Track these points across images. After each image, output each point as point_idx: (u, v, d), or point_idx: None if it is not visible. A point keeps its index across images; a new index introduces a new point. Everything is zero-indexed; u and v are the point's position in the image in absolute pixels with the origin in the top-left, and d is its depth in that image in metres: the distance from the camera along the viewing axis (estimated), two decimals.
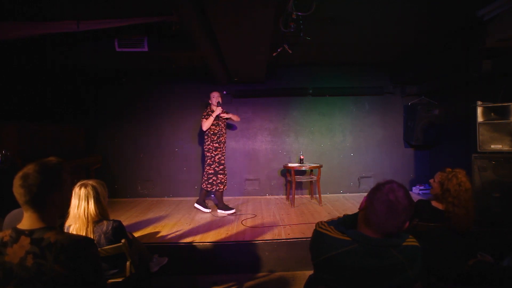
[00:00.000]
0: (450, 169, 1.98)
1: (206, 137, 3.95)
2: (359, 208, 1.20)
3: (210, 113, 3.92)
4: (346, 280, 1.08)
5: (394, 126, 5.16)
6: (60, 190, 1.12)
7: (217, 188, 3.92)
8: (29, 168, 1.06)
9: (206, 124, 3.85)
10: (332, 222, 1.25)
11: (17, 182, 1.04)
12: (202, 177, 4.02)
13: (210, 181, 3.91)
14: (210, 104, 4.05)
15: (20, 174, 1.05)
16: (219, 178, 3.92)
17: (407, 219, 1.08)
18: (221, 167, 3.93)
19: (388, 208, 1.06)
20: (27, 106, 4.09)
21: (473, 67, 3.55)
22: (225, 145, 4.10)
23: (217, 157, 3.91)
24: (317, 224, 1.25)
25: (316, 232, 1.20)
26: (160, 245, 2.87)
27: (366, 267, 1.06)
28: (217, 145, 3.92)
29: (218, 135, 3.93)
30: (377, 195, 1.11)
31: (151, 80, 5.06)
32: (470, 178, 1.95)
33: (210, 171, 3.90)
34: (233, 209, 3.97)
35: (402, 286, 1.08)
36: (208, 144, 3.92)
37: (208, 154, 3.93)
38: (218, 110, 3.88)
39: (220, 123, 3.98)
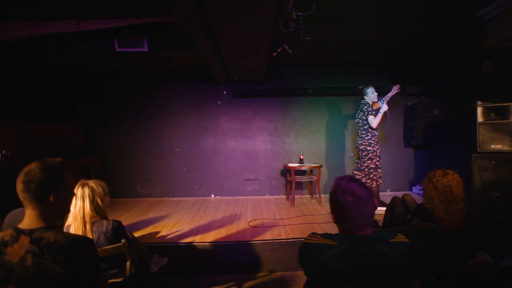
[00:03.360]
0: (437, 169, 1.94)
1: (365, 132, 3.90)
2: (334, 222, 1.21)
3: (372, 108, 3.87)
4: (342, 283, 1.07)
5: (394, 126, 5.15)
6: (60, 190, 1.12)
7: (377, 183, 3.90)
8: (32, 165, 1.09)
9: (377, 122, 3.84)
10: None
11: (19, 177, 1.07)
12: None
13: (371, 176, 3.86)
14: (365, 100, 3.92)
15: (24, 170, 1.08)
16: (379, 173, 3.90)
17: (373, 201, 1.13)
18: (381, 160, 3.94)
19: (355, 209, 1.09)
20: (27, 106, 4.09)
21: (473, 67, 3.55)
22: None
23: (378, 151, 3.91)
24: (304, 238, 1.24)
25: (303, 244, 1.18)
26: (160, 245, 2.88)
27: (357, 266, 1.05)
28: (377, 140, 3.92)
29: (377, 129, 3.94)
30: (338, 206, 1.12)
31: (151, 80, 5.06)
32: (462, 178, 1.89)
33: (371, 166, 3.86)
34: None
35: (398, 283, 1.07)
36: (369, 139, 3.88)
37: (370, 148, 3.88)
38: (385, 106, 3.86)
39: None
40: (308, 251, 1.14)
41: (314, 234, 1.19)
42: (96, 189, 1.83)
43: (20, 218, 1.10)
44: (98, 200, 1.83)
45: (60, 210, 1.17)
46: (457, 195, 1.82)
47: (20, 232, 1.05)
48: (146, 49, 3.47)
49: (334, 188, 1.16)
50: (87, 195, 1.79)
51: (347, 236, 1.12)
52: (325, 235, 1.15)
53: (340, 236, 1.13)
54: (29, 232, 1.05)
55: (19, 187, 1.06)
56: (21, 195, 1.07)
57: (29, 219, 1.08)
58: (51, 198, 1.10)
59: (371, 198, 1.12)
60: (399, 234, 1.15)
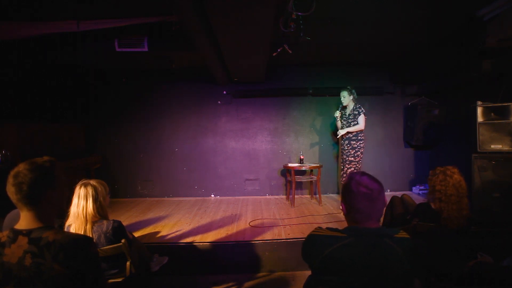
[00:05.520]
0: (440, 167, 1.99)
1: None
2: (344, 215, 1.23)
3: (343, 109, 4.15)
4: (346, 276, 1.08)
5: (394, 126, 5.15)
6: (54, 188, 1.11)
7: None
8: (20, 167, 1.06)
9: (337, 124, 4.23)
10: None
11: (9, 181, 1.04)
12: None
13: None
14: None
15: (11, 173, 1.05)
16: (342, 172, 4.19)
17: (384, 196, 1.17)
18: (341, 163, 4.19)
19: (367, 200, 1.12)
20: (27, 105, 4.09)
21: (473, 67, 3.55)
22: (347, 142, 4.02)
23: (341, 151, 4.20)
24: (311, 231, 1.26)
25: (310, 236, 1.20)
26: (160, 245, 2.88)
27: (364, 259, 1.07)
28: (341, 140, 4.17)
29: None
30: (351, 196, 1.15)
31: (151, 80, 5.06)
32: (463, 175, 1.95)
33: None
34: None
35: (401, 277, 1.09)
36: None
37: None
38: (336, 113, 4.13)
39: (343, 121, 4.12)
40: (316, 242, 1.16)
41: (320, 227, 1.21)
42: (99, 188, 1.83)
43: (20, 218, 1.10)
44: (101, 199, 1.82)
45: (56, 209, 1.15)
46: (465, 188, 1.91)
47: (18, 232, 1.04)
48: (146, 49, 3.47)
49: (348, 180, 1.20)
50: (91, 194, 1.78)
51: (354, 228, 1.14)
52: (332, 229, 1.18)
53: (348, 228, 1.16)
54: (27, 233, 1.04)
55: (11, 190, 1.04)
56: (14, 198, 1.05)
57: (25, 220, 1.07)
58: (46, 197, 1.08)
59: (382, 191, 1.15)
60: (401, 230, 1.18)
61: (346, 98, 4.02)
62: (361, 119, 3.90)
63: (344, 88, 4.05)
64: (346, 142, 4.02)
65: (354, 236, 1.11)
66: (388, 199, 2.69)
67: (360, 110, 3.92)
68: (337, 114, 4.11)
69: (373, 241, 1.09)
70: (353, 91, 4.04)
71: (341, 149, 4.15)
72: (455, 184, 1.89)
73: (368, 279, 1.06)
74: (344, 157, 4.05)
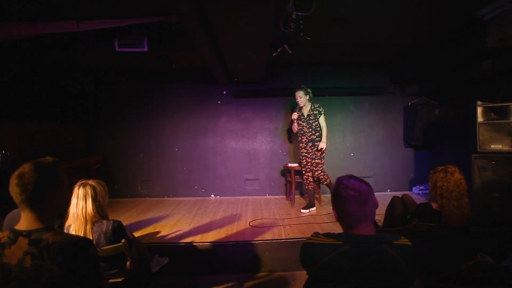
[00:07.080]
0: (441, 166, 2.02)
1: None
2: (337, 221, 1.22)
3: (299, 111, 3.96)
4: (344, 282, 1.06)
5: (394, 126, 5.15)
6: (57, 189, 1.11)
7: (306, 187, 4.08)
8: (25, 167, 1.06)
9: (293, 127, 4.06)
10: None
11: (13, 181, 1.04)
12: None
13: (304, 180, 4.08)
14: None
15: (16, 173, 1.05)
16: (305, 177, 4.01)
17: (374, 197, 1.15)
18: (303, 168, 4.01)
19: (357, 203, 1.11)
20: (27, 106, 4.08)
21: (473, 67, 3.55)
22: (310, 144, 3.85)
23: (300, 156, 4.04)
24: (307, 238, 1.23)
25: (305, 244, 1.18)
26: (160, 245, 2.88)
27: (361, 266, 1.05)
28: (300, 144, 4.00)
29: (299, 135, 4.00)
30: (341, 201, 1.14)
31: (151, 80, 5.06)
32: (463, 173, 1.97)
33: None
34: (311, 207, 3.98)
35: (400, 284, 1.07)
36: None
37: None
38: (294, 115, 3.96)
39: (301, 122, 3.93)
40: (311, 251, 1.14)
41: (317, 234, 1.19)
42: (98, 188, 1.82)
43: (20, 218, 1.09)
44: (101, 199, 1.82)
45: (58, 210, 1.15)
46: (465, 188, 1.93)
47: (18, 233, 1.04)
48: (146, 49, 3.47)
49: (336, 185, 1.19)
50: (90, 194, 1.78)
51: (351, 235, 1.12)
52: (329, 235, 1.15)
53: (344, 235, 1.13)
54: (27, 234, 1.03)
55: (15, 190, 1.03)
56: (18, 199, 1.04)
57: (26, 221, 1.06)
58: (49, 198, 1.08)
59: (371, 192, 1.14)
60: (402, 237, 1.15)
61: (303, 98, 3.83)
62: (322, 120, 3.81)
63: (299, 88, 3.84)
64: (310, 144, 3.86)
65: (351, 244, 1.08)
66: (388, 199, 2.71)
67: (320, 110, 3.82)
68: (295, 116, 3.90)
69: (371, 248, 1.07)
70: (309, 90, 3.87)
71: (304, 152, 3.92)
72: (456, 181, 1.92)
73: (365, 286, 1.05)
74: (309, 160, 3.90)
